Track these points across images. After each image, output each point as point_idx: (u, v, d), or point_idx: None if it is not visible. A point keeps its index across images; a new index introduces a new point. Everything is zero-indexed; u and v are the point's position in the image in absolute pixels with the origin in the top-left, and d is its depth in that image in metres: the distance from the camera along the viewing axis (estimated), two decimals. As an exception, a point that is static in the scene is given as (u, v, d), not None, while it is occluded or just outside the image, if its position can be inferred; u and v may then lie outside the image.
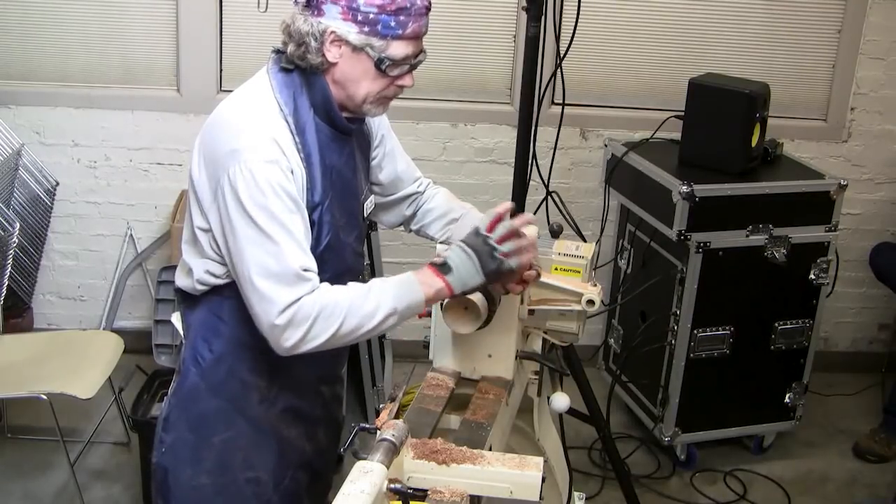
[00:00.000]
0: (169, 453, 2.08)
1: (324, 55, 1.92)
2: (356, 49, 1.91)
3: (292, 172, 1.89)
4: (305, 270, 1.86)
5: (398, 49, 1.92)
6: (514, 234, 1.95)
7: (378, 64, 1.91)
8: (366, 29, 1.89)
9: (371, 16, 1.87)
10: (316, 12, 1.90)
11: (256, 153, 1.86)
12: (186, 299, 2.07)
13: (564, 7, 3.21)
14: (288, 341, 1.85)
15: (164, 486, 2.09)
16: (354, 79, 1.94)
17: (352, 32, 1.89)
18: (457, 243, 1.94)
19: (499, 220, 1.95)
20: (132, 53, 4.10)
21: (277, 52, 1.99)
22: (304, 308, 1.84)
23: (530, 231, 2.27)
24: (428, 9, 1.95)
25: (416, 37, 1.94)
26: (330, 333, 1.86)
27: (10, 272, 3.67)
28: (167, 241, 4.19)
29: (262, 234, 1.85)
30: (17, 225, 3.65)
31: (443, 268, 1.91)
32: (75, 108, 4.10)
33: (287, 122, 1.93)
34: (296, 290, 1.84)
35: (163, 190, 4.18)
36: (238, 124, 1.92)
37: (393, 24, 1.89)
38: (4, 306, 3.64)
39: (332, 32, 1.90)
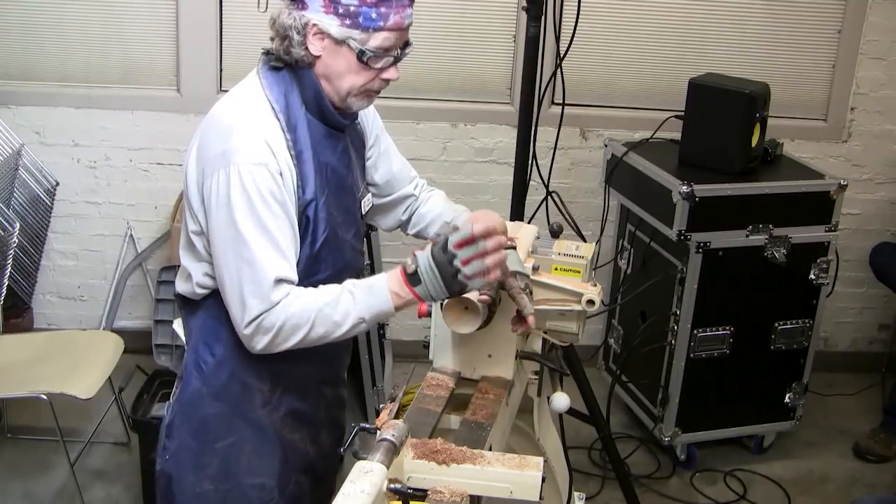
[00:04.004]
0: (172, 460, 2.08)
1: (307, 48, 1.92)
2: (338, 42, 1.91)
3: (281, 175, 1.89)
4: (279, 281, 1.87)
5: (380, 41, 1.91)
6: (481, 254, 1.85)
7: (360, 56, 1.91)
8: (347, 22, 1.89)
9: (352, 8, 1.88)
10: (300, 6, 1.91)
11: (245, 155, 1.86)
12: (187, 304, 2.07)
13: (564, 7, 3.21)
14: (257, 346, 1.90)
15: (169, 493, 2.08)
16: (338, 72, 1.94)
17: (333, 25, 1.90)
18: (427, 254, 1.85)
19: (470, 241, 1.84)
20: (132, 53, 4.10)
21: (267, 52, 2.00)
22: (270, 317, 1.87)
23: (527, 232, 2.27)
24: (412, 0, 1.94)
25: (399, 28, 1.92)
26: (297, 339, 1.89)
27: (10, 272, 3.67)
28: (167, 241, 4.19)
29: (242, 239, 1.86)
30: (17, 225, 3.65)
31: (412, 278, 1.87)
32: (75, 108, 4.10)
33: (279, 119, 1.93)
34: (265, 301, 1.86)
35: (163, 190, 4.18)
36: (228, 125, 1.92)
37: (374, 16, 1.88)
38: (4, 306, 3.64)
39: (315, 25, 1.90)
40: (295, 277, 1.91)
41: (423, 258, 1.86)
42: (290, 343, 1.89)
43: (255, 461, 2.06)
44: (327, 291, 1.90)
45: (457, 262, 1.83)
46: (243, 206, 1.85)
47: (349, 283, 1.91)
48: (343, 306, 1.88)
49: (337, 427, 2.26)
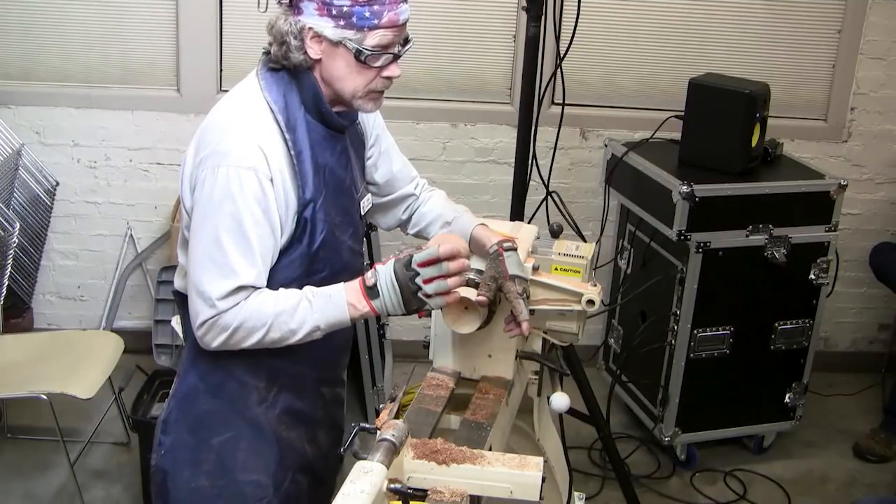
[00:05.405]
0: (168, 455, 2.08)
1: (305, 52, 1.93)
2: (334, 44, 1.91)
3: (272, 181, 1.89)
4: (242, 288, 1.87)
5: (377, 39, 1.91)
6: (444, 276, 1.89)
7: (357, 56, 1.91)
8: (341, 22, 1.89)
9: (345, 8, 1.88)
10: (295, 11, 1.91)
11: (235, 158, 1.87)
12: (185, 302, 2.07)
13: (564, 7, 3.21)
14: (212, 343, 1.92)
15: (164, 489, 2.08)
16: (339, 75, 1.94)
17: (328, 27, 1.90)
18: (389, 270, 1.89)
19: (434, 261, 1.88)
20: (132, 53, 4.10)
21: (267, 53, 2.00)
22: (225, 319, 1.88)
23: (527, 233, 2.27)
24: None
25: (394, 25, 1.92)
26: (252, 342, 1.91)
27: (10, 272, 3.67)
28: (167, 241, 4.19)
29: (217, 240, 1.87)
30: (17, 225, 3.65)
31: (371, 291, 1.90)
32: (75, 108, 4.10)
33: (277, 120, 1.93)
34: (217, 306, 1.87)
35: (163, 190, 4.18)
36: (224, 126, 1.92)
37: (367, 14, 1.88)
38: (4, 306, 3.64)
39: (310, 29, 1.91)
40: (262, 284, 1.91)
41: (384, 272, 1.89)
42: (245, 344, 1.91)
43: (251, 458, 2.06)
44: (287, 298, 1.91)
45: (418, 280, 1.87)
46: (226, 208, 1.86)
47: (308, 290, 1.92)
48: (300, 314, 1.90)
49: (336, 426, 2.26)
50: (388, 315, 1.94)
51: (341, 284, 1.93)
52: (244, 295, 1.88)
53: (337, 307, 1.91)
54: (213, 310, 1.88)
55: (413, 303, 1.89)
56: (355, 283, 1.92)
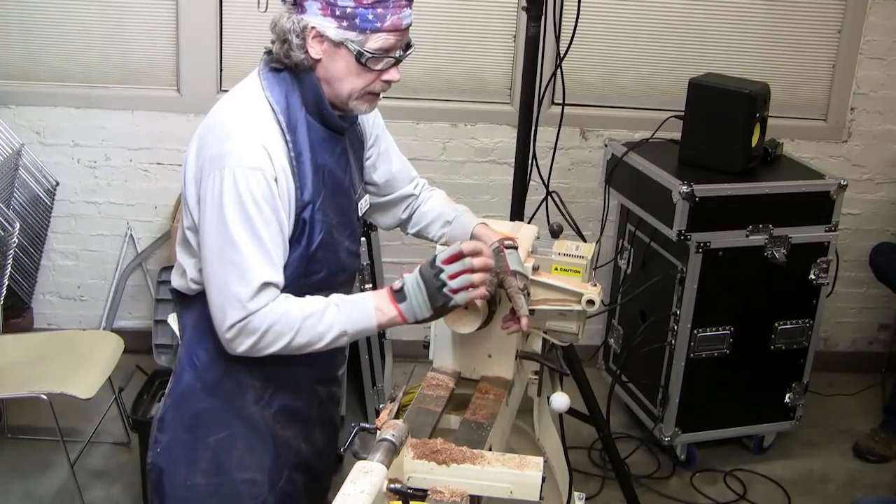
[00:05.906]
0: (164, 453, 2.08)
1: (307, 51, 1.92)
2: (336, 44, 1.91)
3: (276, 180, 1.89)
4: (266, 285, 1.87)
5: (377, 42, 1.91)
6: (468, 270, 1.91)
7: (358, 58, 1.91)
8: (344, 23, 1.89)
9: (348, 10, 1.88)
10: (299, 10, 1.91)
11: (241, 158, 1.87)
12: (182, 300, 2.07)
13: (564, 7, 3.21)
14: (238, 349, 1.91)
15: (160, 487, 2.09)
16: (339, 76, 1.94)
17: (330, 28, 1.90)
18: (415, 272, 1.92)
19: (458, 257, 1.91)
20: (132, 53, 4.10)
21: (269, 52, 2.00)
22: (255, 321, 1.87)
23: (527, 233, 2.27)
24: (410, 0, 1.94)
25: (396, 29, 1.92)
26: (280, 346, 1.90)
27: (10, 272, 3.67)
28: (167, 241, 4.19)
29: (231, 242, 1.86)
30: (17, 225, 3.65)
31: (398, 294, 1.91)
32: (75, 108, 4.10)
33: (278, 120, 1.93)
34: (251, 304, 1.86)
35: (163, 190, 4.18)
36: (227, 126, 1.92)
37: (370, 17, 1.88)
38: (4, 306, 3.64)
39: (313, 28, 1.90)
40: (282, 282, 1.91)
41: (410, 276, 1.92)
42: (273, 349, 1.90)
43: (247, 456, 2.06)
44: (314, 303, 1.91)
45: (443, 276, 1.89)
46: (235, 208, 1.86)
47: (336, 297, 1.93)
48: (328, 318, 1.90)
49: (331, 425, 2.26)
50: (417, 321, 1.94)
51: (369, 292, 1.95)
52: (272, 294, 1.88)
53: (364, 312, 1.92)
54: (244, 311, 1.86)
55: (439, 299, 1.89)
56: (383, 290, 1.94)
